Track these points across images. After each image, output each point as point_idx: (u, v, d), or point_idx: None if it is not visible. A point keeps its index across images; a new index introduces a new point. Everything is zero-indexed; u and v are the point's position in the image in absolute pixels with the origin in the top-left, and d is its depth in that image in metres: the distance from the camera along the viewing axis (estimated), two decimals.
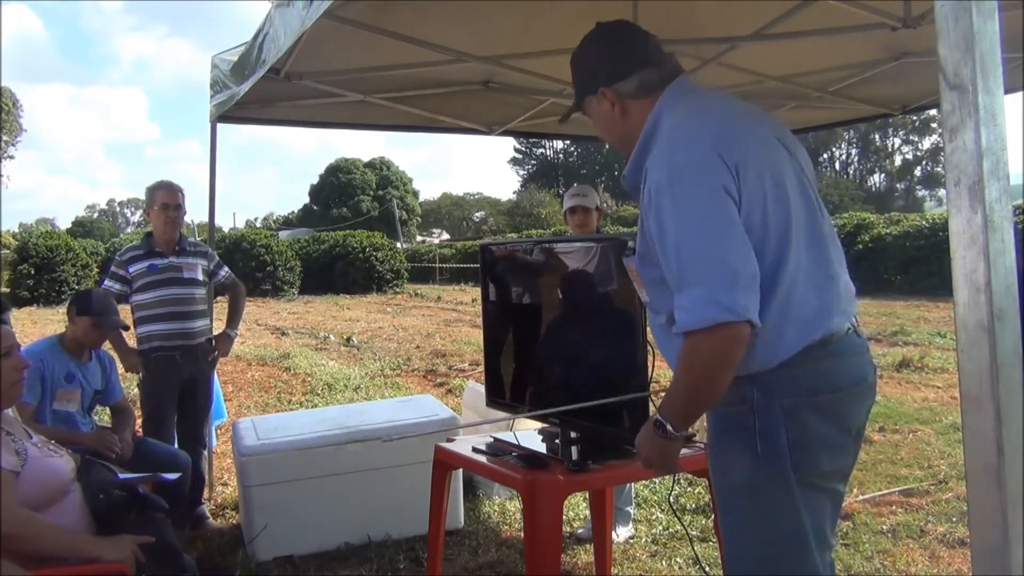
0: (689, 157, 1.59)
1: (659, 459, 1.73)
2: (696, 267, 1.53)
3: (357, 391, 7.97)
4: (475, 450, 2.59)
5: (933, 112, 7.57)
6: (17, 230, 52.93)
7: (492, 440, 2.64)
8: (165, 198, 3.98)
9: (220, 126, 4.28)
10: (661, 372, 2.39)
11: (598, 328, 2.45)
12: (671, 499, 4.05)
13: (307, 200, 60.24)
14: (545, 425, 2.61)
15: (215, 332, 4.21)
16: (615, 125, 1.82)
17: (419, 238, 58.86)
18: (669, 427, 1.65)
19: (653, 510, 4.09)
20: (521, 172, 69.46)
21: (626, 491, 3.76)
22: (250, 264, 23.62)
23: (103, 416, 4.20)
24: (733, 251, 1.52)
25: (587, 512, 3.73)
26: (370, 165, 58.32)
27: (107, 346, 4.17)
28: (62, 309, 15.37)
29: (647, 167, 1.66)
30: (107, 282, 4.05)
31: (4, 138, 37.52)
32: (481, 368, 3.82)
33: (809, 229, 1.66)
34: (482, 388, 3.12)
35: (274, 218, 71.80)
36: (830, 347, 1.63)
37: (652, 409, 2.21)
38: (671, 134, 1.67)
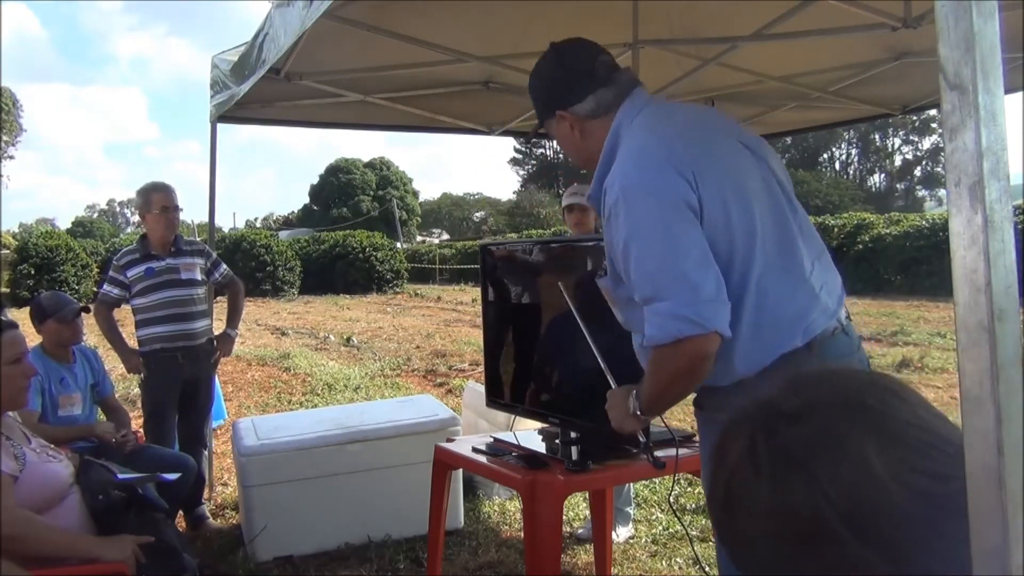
0: (644, 174, 1.59)
1: (619, 422, 1.81)
2: (659, 282, 1.54)
3: (357, 391, 7.97)
4: (475, 450, 2.59)
5: (933, 112, 7.57)
6: (17, 230, 53.05)
7: (492, 440, 2.64)
8: (164, 201, 3.96)
9: (220, 126, 4.28)
10: None
11: (598, 328, 2.44)
12: (671, 499, 4.05)
13: (307, 200, 60.29)
14: (545, 425, 2.61)
15: (215, 332, 4.21)
16: (576, 145, 1.83)
17: (419, 238, 58.88)
18: (638, 409, 1.72)
19: (653, 510, 4.09)
20: (521, 172, 69.46)
21: (626, 491, 3.76)
22: (250, 264, 23.61)
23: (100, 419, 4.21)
24: (693, 265, 1.51)
25: (587, 512, 3.73)
26: (370, 165, 58.35)
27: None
28: None
29: (606, 185, 1.66)
30: (106, 287, 4.06)
31: (4, 138, 37.51)
32: (481, 368, 3.82)
33: (778, 232, 1.64)
34: (482, 388, 3.12)
35: (274, 218, 71.83)
36: (814, 350, 1.60)
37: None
38: (626, 152, 1.66)
